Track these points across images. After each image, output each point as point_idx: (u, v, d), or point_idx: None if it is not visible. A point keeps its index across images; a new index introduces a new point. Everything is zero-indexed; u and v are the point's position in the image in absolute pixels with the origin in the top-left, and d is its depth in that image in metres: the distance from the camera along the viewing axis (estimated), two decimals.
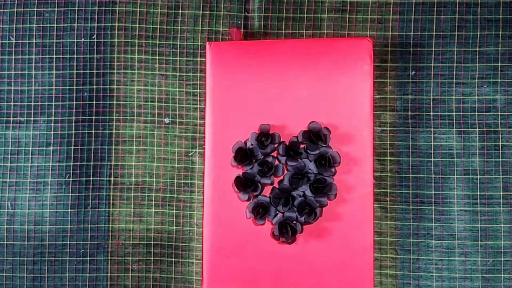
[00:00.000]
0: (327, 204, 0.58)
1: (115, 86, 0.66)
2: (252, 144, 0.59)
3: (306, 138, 0.58)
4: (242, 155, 0.58)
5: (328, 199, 0.58)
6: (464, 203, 0.64)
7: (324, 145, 0.58)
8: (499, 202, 0.64)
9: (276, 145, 0.59)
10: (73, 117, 0.66)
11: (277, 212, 0.58)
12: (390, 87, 0.65)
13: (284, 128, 0.59)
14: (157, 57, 0.66)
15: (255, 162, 0.59)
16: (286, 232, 0.57)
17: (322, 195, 0.58)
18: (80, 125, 0.66)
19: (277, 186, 0.59)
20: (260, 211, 0.58)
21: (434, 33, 0.65)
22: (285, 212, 0.58)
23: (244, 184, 0.58)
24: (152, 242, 0.65)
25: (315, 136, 0.58)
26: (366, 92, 0.59)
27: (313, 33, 0.66)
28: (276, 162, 0.59)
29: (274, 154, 0.59)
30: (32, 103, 0.66)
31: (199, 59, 0.66)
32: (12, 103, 0.67)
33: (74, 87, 0.67)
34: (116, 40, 0.67)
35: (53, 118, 0.66)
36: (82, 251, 0.65)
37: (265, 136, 0.58)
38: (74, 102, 0.66)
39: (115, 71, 0.66)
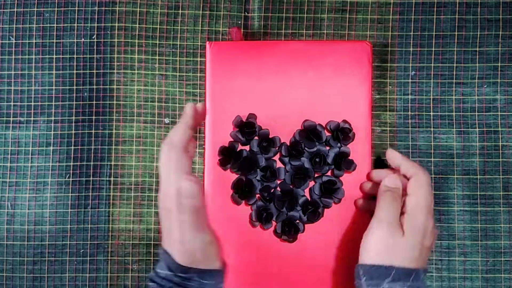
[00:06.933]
0: (331, 206, 0.58)
1: (115, 86, 0.66)
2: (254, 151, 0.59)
3: (303, 137, 0.58)
4: (247, 163, 0.58)
5: (333, 202, 0.58)
6: (464, 203, 0.64)
7: (319, 141, 0.58)
8: (499, 202, 0.64)
9: (277, 148, 0.59)
10: (73, 117, 0.66)
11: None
12: (390, 87, 0.65)
13: (284, 128, 0.59)
14: (157, 57, 0.66)
15: (257, 168, 0.59)
16: (289, 230, 0.57)
17: (329, 196, 0.58)
18: (80, 125, 0.66)
19: (279, 189, 0.59)
20: (266, 217, 0.58)
21: (434, 33, 0.65)
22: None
23: (243, 188, 0.58)
24: (152, 242, 0.65)
25: (312, 133, 0.58)
26: (365, 94, 0.59)
27: (313, 33, 0.66)
28: (278, 165, 0.59)
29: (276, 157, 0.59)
30: (32, 103, 0.66)
31: (199, 59, 0.66)
32: (12, 103, 0.66)
33: (74, 87, 0.67)
34: (116, 40, 0.67)
35: (53, 118, 0.66)
36: (82, 251, 0.65)
37: (266, 141, 0.58)
38: (74, 102, 0.66)
39: (115, 71, 0.66)
